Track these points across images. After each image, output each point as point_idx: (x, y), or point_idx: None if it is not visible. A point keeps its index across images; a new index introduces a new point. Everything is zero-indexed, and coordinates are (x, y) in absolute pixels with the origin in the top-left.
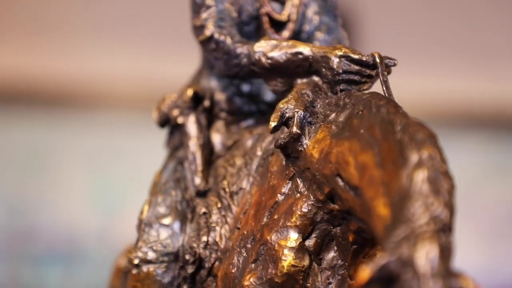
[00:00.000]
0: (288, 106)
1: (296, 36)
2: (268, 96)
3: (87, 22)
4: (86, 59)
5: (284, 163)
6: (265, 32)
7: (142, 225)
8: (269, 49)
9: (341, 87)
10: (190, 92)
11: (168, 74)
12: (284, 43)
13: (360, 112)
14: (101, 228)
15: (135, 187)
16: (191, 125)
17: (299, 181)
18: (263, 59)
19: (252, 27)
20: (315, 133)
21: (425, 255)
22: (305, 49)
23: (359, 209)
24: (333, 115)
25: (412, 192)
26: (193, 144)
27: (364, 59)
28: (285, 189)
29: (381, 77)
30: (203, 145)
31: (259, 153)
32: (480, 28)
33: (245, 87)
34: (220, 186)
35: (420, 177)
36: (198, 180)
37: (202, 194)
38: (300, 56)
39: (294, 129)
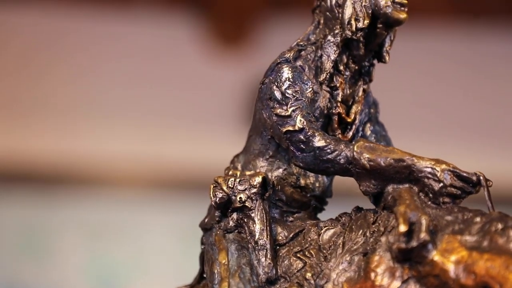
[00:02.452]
0: (413, 212)
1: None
2: (318, 191)
3: (86, 102)
4: (84, 139)
5: (393, 264)
6: (334, 131)
7: None
8: (371, 151)
9: (444, 200)
10: (260, 179)
11: (166, 153)
12: (383, 147)
13: (501, 230)
14: None
15: (136, 268)
16: (259, 211)
17: (415, 285)
18: (364, 161)
19: (319, 125)
20: (439, 241)
21: None
22: (406, 157)
23: None
24: (455, 227)
25: None
26: (261, 231)
27: (469, 176)
28: None
29: (487, 196)
30: (270, 232)
31: (341, 249)
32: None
33: (302, 180)
34: (299, 276)
35: None
36: (269, 268)
37: (271, 282)
38: (402, 163)
39: (424, 235)
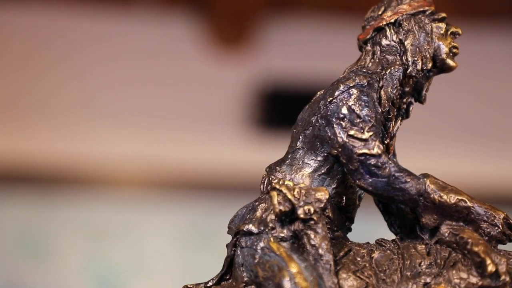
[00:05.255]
0: (493, 253)
1: None
2: (352, 213)
3: (85, 103)
4: (84, 140)
5: None
6: None
7: None
8: (441, 188)
9: (493, 244)
10: (327, 195)
11: (166, 154)
12: (449, 186)
13: None
14: None
15: (135, 270)
16: (323, 225)
17: None
18: (435, 195)
19: None
20: None
21: None
22: (467, 198)
23: None
24: None
25: None
26: (326, 246)
27: None
28: None
29: None
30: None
31: (398, 275)
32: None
33: (345, 201)
34: None
35: None
36: (333, 283)
37: None
38: (464, 204)
39: (506, 276)
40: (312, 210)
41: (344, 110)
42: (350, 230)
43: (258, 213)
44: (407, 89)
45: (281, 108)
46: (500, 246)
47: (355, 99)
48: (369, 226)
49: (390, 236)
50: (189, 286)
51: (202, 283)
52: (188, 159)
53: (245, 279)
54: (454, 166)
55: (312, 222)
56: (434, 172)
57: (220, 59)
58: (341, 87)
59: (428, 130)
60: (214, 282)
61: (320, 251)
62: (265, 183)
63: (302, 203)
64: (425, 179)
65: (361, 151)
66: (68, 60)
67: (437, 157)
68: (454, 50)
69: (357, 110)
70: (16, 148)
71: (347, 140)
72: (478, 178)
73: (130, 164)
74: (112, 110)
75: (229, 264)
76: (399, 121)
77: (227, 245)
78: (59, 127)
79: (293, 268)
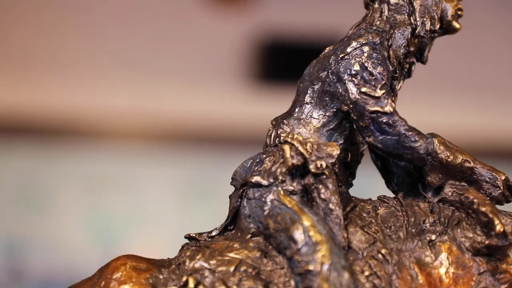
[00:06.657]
0: (500, 214)
1: None
2: (354, 169)
3: (86, 56)
4: (85, 92)
5: (466, 256)
6: None
7: (327, 271)
8: (447, 148)
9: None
10: (338, 150)
11: (166, 106)
12: (454, 146)
13: None
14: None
15: (134, 221)
16: (334, 181)
17: (489, 278)
18: (442, 155)
19: None
20: None
21: None
22: (471, 159)
23: None
24: None
25: None
26: (336, 201)
27: None
28: (476, 283)
29: None
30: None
31: (403, 232)
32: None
33: (349, 157)
34: (374, 251)
35: None
36: (343, 238)
37: None
38: (468, 164)
39: (511, 237)
40: (324, 165)
41: (357, 67)
42: (351, 185)
43: (267, 166)
44: (412, 48)
45: (279, 61)
46: (498, 207)
47: (368, 57)
48: (365, 183)
49: (382, 192)
50: (192, 235)
51: (205, 233)
52: (188, 111)
53: (252, 230)
54: (452, 119)
55: (323, 176)
56: (432, 126)
57: (220, 12)
58: (353, 44)
59: (425, 85)
60: (218, 232)
61: (331, 205)
62: (272, 136)
63: (314, 157)
64: (433, 138)
65: (373, 109)
66: (72, 15)
67: (435, 111)
68: (459, 12)
69: (370, 68)
70: (17, 100)
71: (359, 97)
72: (476, 131)
73: (130, 116)
74: (112, 62)
75: (234, 215)
76: (402, 80)
77: (231, 196)
78: (60, 79)
79: (306, 221)
